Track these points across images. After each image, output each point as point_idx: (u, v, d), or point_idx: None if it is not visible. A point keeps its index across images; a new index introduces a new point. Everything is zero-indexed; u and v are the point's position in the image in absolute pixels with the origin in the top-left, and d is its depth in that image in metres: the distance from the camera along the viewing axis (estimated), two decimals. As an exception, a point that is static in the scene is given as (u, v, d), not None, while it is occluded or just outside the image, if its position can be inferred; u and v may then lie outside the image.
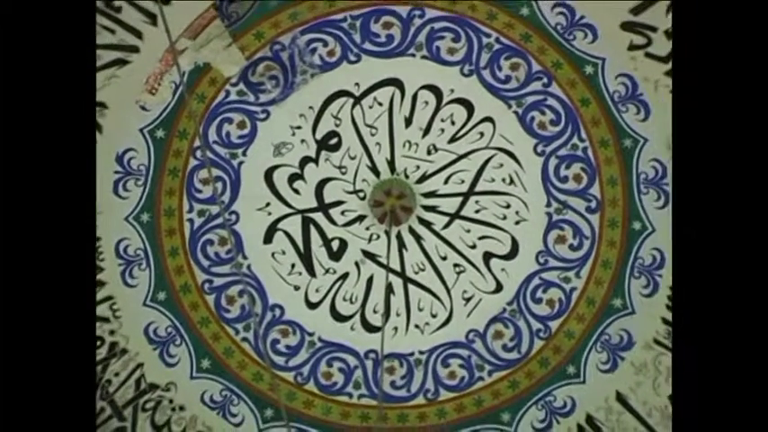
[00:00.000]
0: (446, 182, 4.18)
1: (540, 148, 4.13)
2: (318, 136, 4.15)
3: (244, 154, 4.17)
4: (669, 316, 4.14)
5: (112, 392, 4.22)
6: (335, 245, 4.24)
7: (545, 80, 4.07)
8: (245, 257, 4.25)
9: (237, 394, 4.28)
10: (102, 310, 4.18)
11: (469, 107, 4.12)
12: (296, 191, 4.18)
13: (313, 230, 4.23)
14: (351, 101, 4.13)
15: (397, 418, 4.29)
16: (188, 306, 4.25)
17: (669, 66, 3.94)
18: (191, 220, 4.22)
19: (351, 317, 4.28)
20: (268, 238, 4.23)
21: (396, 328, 4.25)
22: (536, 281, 4.23)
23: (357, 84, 4.11)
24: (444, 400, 4.29)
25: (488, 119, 4.11)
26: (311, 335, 4.30)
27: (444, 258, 4.23)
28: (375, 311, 4.27)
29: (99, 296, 4.21)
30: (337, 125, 4.15)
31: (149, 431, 4.26)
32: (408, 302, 4.26)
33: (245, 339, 4.28)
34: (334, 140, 4.16)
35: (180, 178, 4.17)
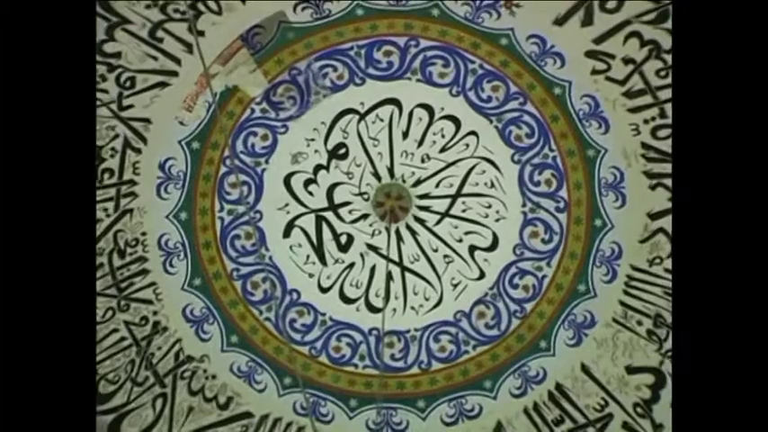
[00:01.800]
0: (437, 186, 4.23)
1: (516, 157, 4.17)
2: (329, 147, 4.21)
3: (266, 162, 4.22)
4: (625, 299, 4.16)
5: (155, 363, 4.27)
6: (344, 239, 4.28)
7: (521, 100, 4.12)
8: (267, 249, 4.29)
9: (261, 365, 4.31)
10: (146, 294, 4.25)
11: (457, 123, 4.17)
12: (310, 193, 4.24)
13: (325, 227, 4.27)
14: (356, 117, 4.18)
15: (395, 386, 4.31)
16: (219, 290, 4.30)
17: (625, 87, 3.99)
18: (221, 218, 4.27)
19: (356, 300, 4.31)
20: (287, 234, 4.27)
21: (395, 310, 4.29)
22: (513, 269, 4.26)
23: (362, 103, 4.17)
24: (436, 370, 4.31)
25: (473, 132, 4.16)
26: (323, 315, 4.33)
27: (436, 250, 4.27)
28: (377, 295, 4.29)
29: (144, 282, 4.25)
30: (345, 138, 4.20)
31: (186, 396, 4.28)
32: (405, 288, 4.30)
33: (267, 319, 4.32)
34: (342, 151, 4.21)
35: (212, 183, 4.23)
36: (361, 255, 4.30)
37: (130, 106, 4.09)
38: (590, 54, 3.99)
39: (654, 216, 4.09)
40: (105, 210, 4.18)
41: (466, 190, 4.22)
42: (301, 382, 4.20)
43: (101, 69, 4.03)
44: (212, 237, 4.28)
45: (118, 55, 4.02)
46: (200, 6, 3.97)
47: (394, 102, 4.17)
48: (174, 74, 4.06)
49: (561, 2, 3.93)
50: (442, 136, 4.19)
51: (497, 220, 4.22)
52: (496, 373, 4.28)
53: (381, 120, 4.19)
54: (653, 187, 4.06)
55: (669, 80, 3.95)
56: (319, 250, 4.29)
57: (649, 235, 4.10)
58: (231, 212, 4.27)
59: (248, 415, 4.30)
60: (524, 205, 4.21)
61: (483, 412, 4.28)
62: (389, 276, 4.26)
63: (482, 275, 4.27)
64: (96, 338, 4.22)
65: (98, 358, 4.22)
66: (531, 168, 4.17)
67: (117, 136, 4.12)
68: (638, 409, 4.15)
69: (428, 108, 4.17)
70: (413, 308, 4.31)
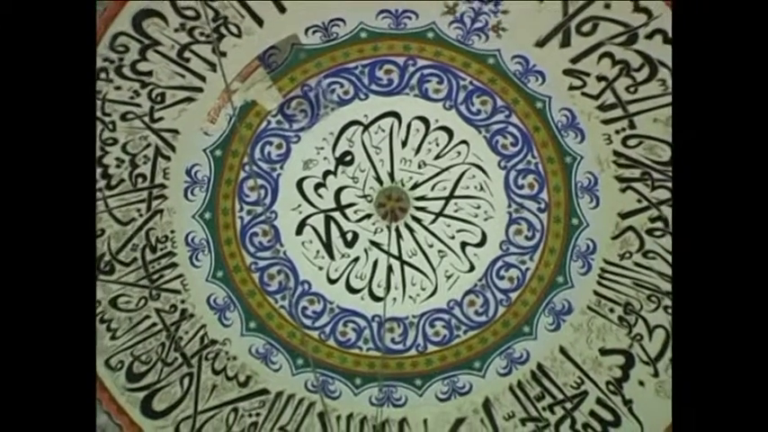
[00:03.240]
0: (433, 189, 4.30)
1: (502, 164, 4.24)
2: (337, 154, 4.28)
3: (281, 168, 4.29)
4: (599, 289, 4.21)
5: (183, 346, 4.32)
6: (349, 236, 4.35)
7: (507, 113, 4.18)
8: (281, 245, 4.34)
9: (276, 347, 4.36)
10: (175, 284, 4.30)
11: (450, 133, 4.23)
12: (320, 196, 4.32)
13: (333, 225, 4.34)
14: (361, 128, 4.25)
15: (395, 366, 4.38)
16: (239, 282, 4.35)
17: (599, 102, 4.05)
18: (241, 218, 4.32)
19: (361, 290, 4.38)
20: (299, 231, 4.34)
21: (395, 299, 4.35)
22: (500, 263, 4.32)
23: (366, 115, 4.24)
24: (431, 352, 4.37)
25: (464, 142, 4.23)
26: (331, 303, 4.39)
27: (431, 246, 4.34)
28: (379, 286, 4.36)
29: (173, 274, 4.29)
30: (351, 146, 4.27)
31: (210, 375, 4.34)
32: (404, 279, 4.36)
33: (282, 306, 4.38)
34: (348, 158, 4.29)
35: (233, 186, 4.28)
36: (365, 250, 4.35)
37: (161, 119, 4.16)
38: (567, 72, 4.07)
39: (624, 216, 4.16)
40: (138, 210, 4.25)
41: (458, 192, 4.29)
42: (312, 363, 4.25)
43: (135, 86, 4.11)
44: (233, 234, 4.33)
45: (150, 73, 4.10)
46: (223, 30, 4.05)
47: (394, 114, 4.24)
48: (200, 90, 4.13)
49: (542, 26, 4.02)
50: (437, 145, 4.27)
51: (486, 220, 4.30)
52: (485, 354, 4.33)
53: (383, 130, 4.27)
54: (623, 190, 4.15)
55: (638, 95, 4.04)
56: (328, 246, 4.35)
57: (620, 232, 4.18)
58: (250, 212, 4.33)
59: (265, 392, 4.34)
60: (509, 206, 4.27)
61: (473, 389, 4.33)
62: (390, 269, 4.32)
63: (472, 268, 4.34)
64: (130, 324, 4.34)
65: (132, 342, 4.30)
66: (516, 173, 4.24)
67: (149, 145, 4.19)
68: (611, 387, 4.22)
69: (424, 120, 4.24)
70: (411, 297, 4.37)
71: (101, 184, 4.18)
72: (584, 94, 4.09)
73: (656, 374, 4.21)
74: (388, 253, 4.32)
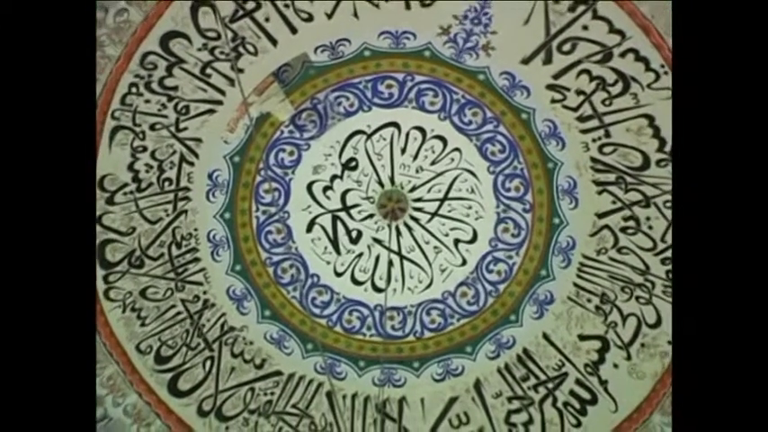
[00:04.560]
0: (429, 191, 4.42)
1: (491, 169, 4.37)
2: (343, 160, 4.41)
3: (293, 173, 4.42)
4: (578, 281, 4.34)
5: (205, 332, 4.44)
6: (354, 234, 4.47)
7: (495, 123, 4.30)
8: (293, 242, 4.46)
9: (289, 334, 4.48)
10: (198, 277, 4.43)
11: (444, 141, 4.37)
12: (328, 197, 4.45)
13: (339, 224, 4.46)
14: (364, 137, 4.39)
15: (395, 350, 4.50)
16: (255, 275, 4.47)
17: (578, 113, 4.17)
18: (257, 217, 4.45)
19: (364, 282, 4.50)
20: (309, 229, 4.47)
21: (395, 290, 4.48)
22: (489, 258, 4.45)
23: (369, 125, 4.37)
24: (427, 338, 4.50)
25: (457, 149, 4.36)
26: (338, 294, 4.51)
27: (427, 243, 4.47)
28: (380, 278, 4.48)
29: (196, 268, 4.42)
30: (355, 153, 4.40)
31: (229, 358, 4.47)
32: (403, 272, 4.49)
33: (293, 297, 4.50)
34: (353, 164, 4.42)
35: (250, 189, 4.40)
36: (368, 246, 4.49)
37: (185, 128, 4.30)
38: (550, 87, 4.21)
39: (600, 215, 4.32)
40: (165, 210, 4.40)
41: (452, 195, 4.42)
42: (321, 348, 4.40)
43: (162, 99, 4.26)
44: (250, 232, 4.45)
45: (176, 88, 4.25)
46: (241, 49, 4.20)
47: (394, 125, 4.38)
48: (220, 103, 4.27)
49: (527, 45, 4.18)
50: (433, 152, 4.40)
51: (476, 219, 4.43)
52: (476, 340, 4.46)
53: (384, 139, 4.40)
54: (599, 192, 4.30)
55: (612, 107, 4.18)
56: (335, 243, 4.48)
57: (597, 230, 4.33)
58: (265, 212, 4.46)
59: (278, 373, 4.48)
60: (498, 207, 4.41)
61: (465, 371, 4.46)
62: (390, 263, 4.45)
63: (464, 263, 4.47)
64: (158, 313, 4.46)
65: (160, 328, 4.46)
66: (503, 178, 4.38)
67: (174, 152, 4.33)
68: (588, 369, 4.37)
69: (421, 130, 4.37)
70: (409, 288, 4.50)
71: (132, 187, 4.34)
72: (564, 106, 4.23)
73: (628, 358, 4.35)
74: (388, 249, 4.46)
